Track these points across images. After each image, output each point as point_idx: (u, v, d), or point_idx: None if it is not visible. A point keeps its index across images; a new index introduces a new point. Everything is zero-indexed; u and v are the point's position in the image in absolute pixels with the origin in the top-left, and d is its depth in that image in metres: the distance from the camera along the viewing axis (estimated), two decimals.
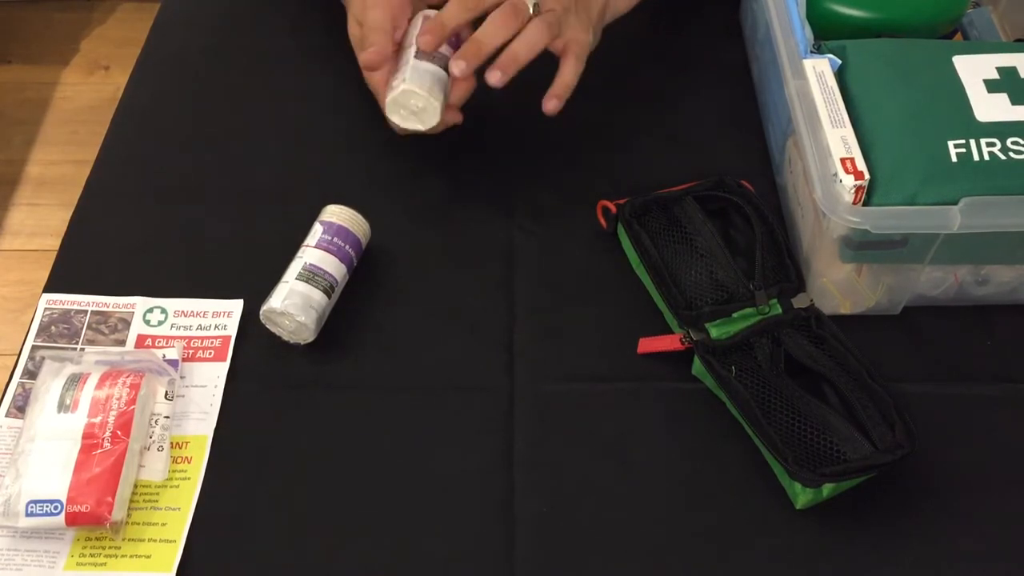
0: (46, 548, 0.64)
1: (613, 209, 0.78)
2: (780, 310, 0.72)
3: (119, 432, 0.65)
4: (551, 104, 0.77)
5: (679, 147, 0.87)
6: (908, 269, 0.73)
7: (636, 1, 0.87)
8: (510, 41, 0.75)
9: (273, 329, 0.73)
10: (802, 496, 0.64)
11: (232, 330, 0.74)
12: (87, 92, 2.01)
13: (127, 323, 0.75)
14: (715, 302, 0.72)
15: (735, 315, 0.71)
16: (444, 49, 0.76)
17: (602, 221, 0.79)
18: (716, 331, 0.71)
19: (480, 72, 0.75)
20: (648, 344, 0.73)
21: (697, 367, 0.71)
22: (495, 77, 0.74)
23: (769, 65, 0.85)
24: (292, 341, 0.73)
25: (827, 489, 0.64)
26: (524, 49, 0.74)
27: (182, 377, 0.72)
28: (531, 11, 0.75)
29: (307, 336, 0.72)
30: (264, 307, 0.72)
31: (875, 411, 0.66)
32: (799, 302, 0.73)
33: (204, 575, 0.64)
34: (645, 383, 0.73)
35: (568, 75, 0.78)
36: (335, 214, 0.76)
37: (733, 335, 0.70)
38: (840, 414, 0.67)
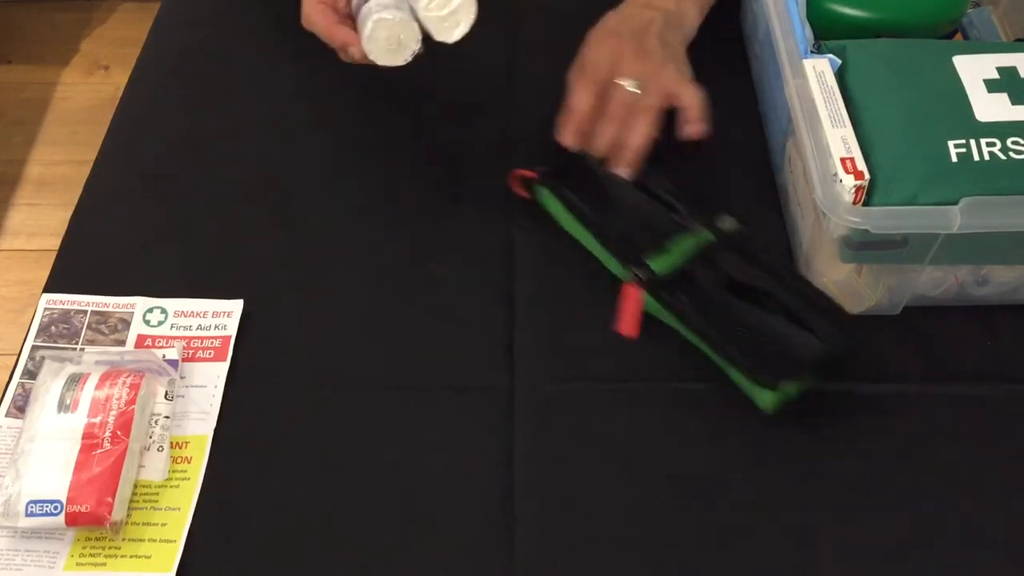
0: (46, 548, 0.64)
1: (532, 176, 0.80)
2: (712, 236, 0.75)
3: (119, 432, 0.65)
4: (696, 128, 0.80)
5: (679, 147, 0.87)
6: (908, 269, 0.73)
7: (700, 15, 0.88)
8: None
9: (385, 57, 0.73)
10: (766, 398, 0.69)
11: (232, 330, 0.74)
12: (87, 92, 2.01)
13: (127, 323, 0.75)
14: (651, 238, 0.75)
15: (672, 248, 0.75)
16: None
17: (520, 191, 0.81)
18: (658, 265, 0.74)
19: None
20: (620, 321, 0.74)
21: (650, 304, 0.73)
22: (626, 173, 0.79)
23: (769, 65, 0.85)
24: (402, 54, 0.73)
25: (789, 388, 0.68)
26: (639, 141, 0.79)
27: (182, 377, 0.72)
28: (634, 91, 0.79)
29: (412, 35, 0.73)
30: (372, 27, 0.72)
31: (815, 312, 0.71)
32: (724, 224, 0.76)
33: (204, 575, 0.64)
34: (645, 383, 0.73)
35: (693, 101, 0.81)
36: None
37: (674, 266, 0.74)
38: (785, 320, 0.71)
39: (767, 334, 0.70)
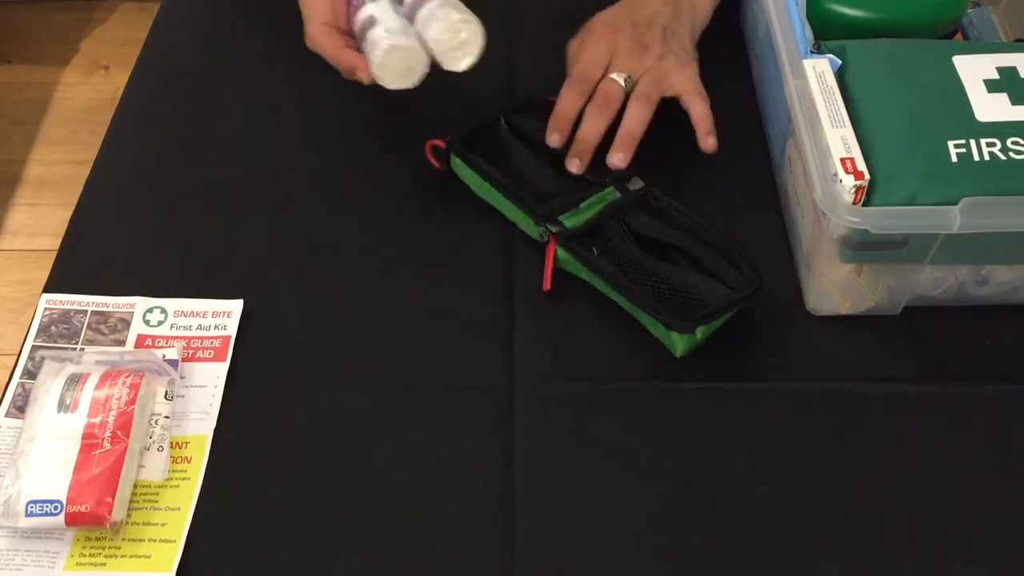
0: (46, 548, 0.64)
1: (443, 145, 0.81)
2: (619, 195, 0.78)
3: (119, 432, 0.65)
4: (709, 143, 0.81)
5: (679, 147, 0.87)
6: (908, 269, 0.73)
7: (713, 8, 0.88)
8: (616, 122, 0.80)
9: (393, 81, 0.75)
10: (679, 344, 0.72)
11: (232, 330, 0.74)
12: (87, 92, 2.01)
13: (127, 323, 0.75)
14: (562, 198, 0.78)
15: (582, 205, 0.78)
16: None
17: (433, 161, 0.82)
18: (569, 222, 0.76)
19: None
20: (545, 277, 0.76)
21: (561, 256, 0.76)
22: (618, 158, 0.79)
23: (769, 65, 0.85)
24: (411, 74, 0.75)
25: (700, 332, 0.71)
26: (635, 126, 0.80)
27: (182, 377, 0.72)
28: (624, 86, 0.80)
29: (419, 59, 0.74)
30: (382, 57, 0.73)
31: (720, 259, 0.74)
32: (633, 185, 0.79)
33: (204, 575, 0.64)
34: (645, 383, 0.73)
35: (700, 111, 0.81)
36: None
37: (585, 222, 0.76)
38: (693, 270, 0.75)
39: (675, 284, 0.74)
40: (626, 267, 0.75)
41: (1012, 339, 0.75)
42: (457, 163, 0.81)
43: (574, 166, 0.79)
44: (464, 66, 0.76)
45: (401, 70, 0.74)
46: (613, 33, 0.82)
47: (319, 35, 0.79)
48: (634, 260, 0.75)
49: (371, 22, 0.75)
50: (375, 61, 0.74)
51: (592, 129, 0.79)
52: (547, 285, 0.76)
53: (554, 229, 0.76)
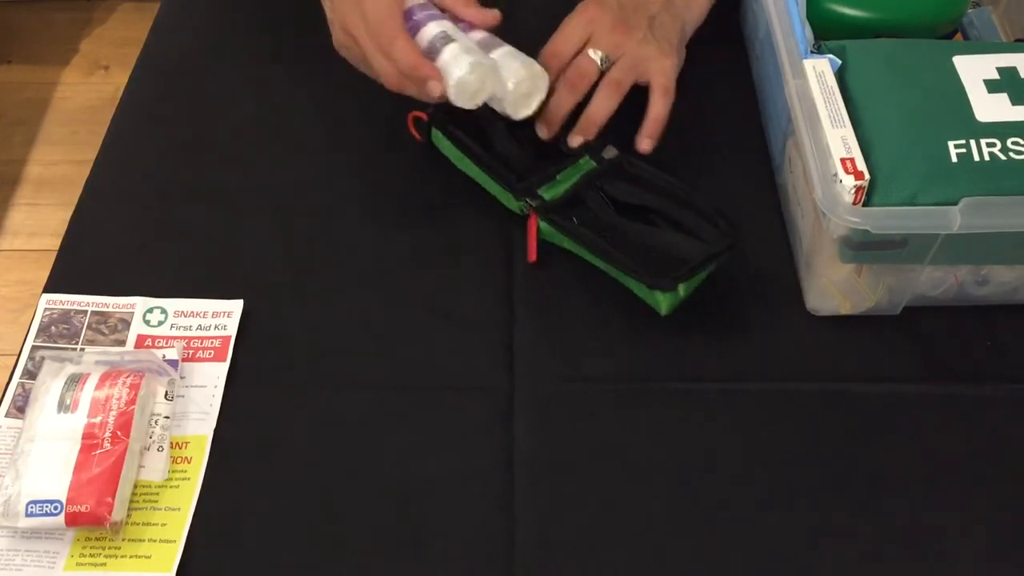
0: (46, 548, 0.64)
1: (426, 118, 0.82)
2: (594, 164, 0.80)
3: (119, 432, 0.65)
4: (645, 144, 0.81)
5: (679, 147, 0.87)
6: (908, 269, 0.73)
7: (709, 7, 0.88)
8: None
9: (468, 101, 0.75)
10: (663, 302, 0.73)
11: (232, 330, 0.74)
12: (87, 92, 2.01)
13: (127, 323, 0.75)
14: (539, 170, 0.80)
15: (559, 177, 0.79)
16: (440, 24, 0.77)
17: (415, 133, 0.83)
18: (548, 194, 0.78)
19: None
20: (529, 249, 0.78)
21: (544, 228, 0.78)
22: (576, 141, 0.80)
23: (769, 65, 0.85)
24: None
25: (682, 289, 0.73)
26: (599, 113, 0.80)
27: (182, 377, 0.72)
28: (599, 65, 0.81)
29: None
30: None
31: (697, 218, 0.76)
32: (607, 153, 0.81)
33: (204, 575, 0.64)
34: (645, 383, 0.73)
35: (657, 110, 0.81)
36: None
37: (564, 193, 0.78)
38: (673, 231, 0.77)
39: (656, 245, 0.76)
40: (607, 233, 0.76)
41: (1012, 339, 0.75)
42: (438, 136, 0.82)
43: (542, 132, 0.80)
44: (522, 115, 0.79)
45: (476, 90, 0.75)
46: (598, 9, 0.82)
47: (401, 39, 0.74)
48: (614, 226, 0.77)
49: (445, 39, 0.75)
50: (455, 75, 0.74)
51: (561, 104, 0.80)
52: (533, 257, 0.78)
53: (534, 203, 0.77)
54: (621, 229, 0.77)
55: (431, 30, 0.76)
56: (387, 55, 0.75)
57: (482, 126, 0.83)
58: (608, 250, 0.75)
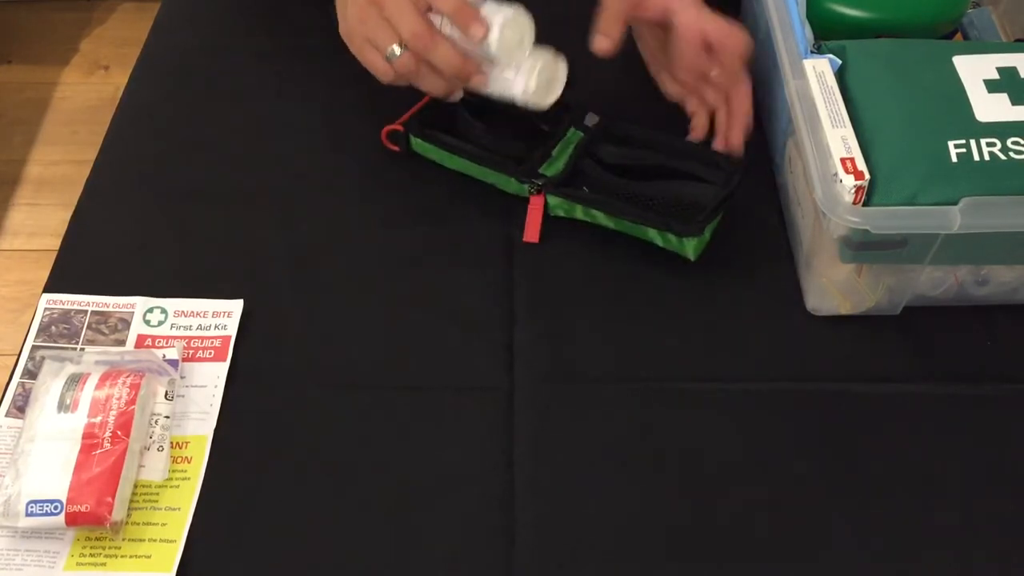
0: (46, 548, 0.64)
1: (402, 129, 0.83)
2: (581, 134, 0.82)
3: (119, 432, 0.65)
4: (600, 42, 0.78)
5: (679, 146, 0.87)
6: (908, 269, 0.73)
7: None
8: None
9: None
10: (692, 248, 0.75)
11: (232, 330, 0.74)
12: (87, 92, 2.01)
13: (127, 323, 0.75)
14: (534, 151, 0.81)
15: (554, 153, 0.81)
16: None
17: (391, 146, 0.84)
18: (549, 171, 0.80)
19: None
20: (527, 230, 0.79)
21: (555, 203, 0.79)
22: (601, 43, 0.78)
23: (769, 65, 0.85)
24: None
25: (708, 231, 0.76)
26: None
27: (182, 377, 0.72)
28: None
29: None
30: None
31: (696, 163, 0.79)
32: (590, 120, 0.83)
33: (204, 575, 0.64)
34: (645, 383, 0.73)
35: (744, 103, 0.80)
36: None
37: (564, 166, 0.80)
38: (677, 180, 0.80)
39: (666, 198, 0.79)
40: (613, 197, 0.79)
41: (1012, 339, 0.75)
42: (418, 143, 0.83)
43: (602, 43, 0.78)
44: (548, 102, 0.78)
45: (519, 41, 0.75)
46: None
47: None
48: (618, 188, 0.80)
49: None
50: (498, 21, 0.73)
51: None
52: (536, 237, 0.79)
53: (540, 182, 0.79)
54: (626, 190, 0.79)
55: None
56: (434, 1, 0.72)
57: (459, 129, 0.83)
58: (629, 210, 0.77)
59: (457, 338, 0.75)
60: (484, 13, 0.74)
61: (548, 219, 0.80)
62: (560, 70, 0.79)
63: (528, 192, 0.79)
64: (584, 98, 0.82)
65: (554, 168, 0.80)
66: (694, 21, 0.77)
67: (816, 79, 0.73)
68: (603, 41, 0.77)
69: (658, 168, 0.80)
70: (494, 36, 0.73)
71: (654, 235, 0.76)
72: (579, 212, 0.79)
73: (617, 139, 0.82)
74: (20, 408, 0.70)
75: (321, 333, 0.75)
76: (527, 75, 0.75)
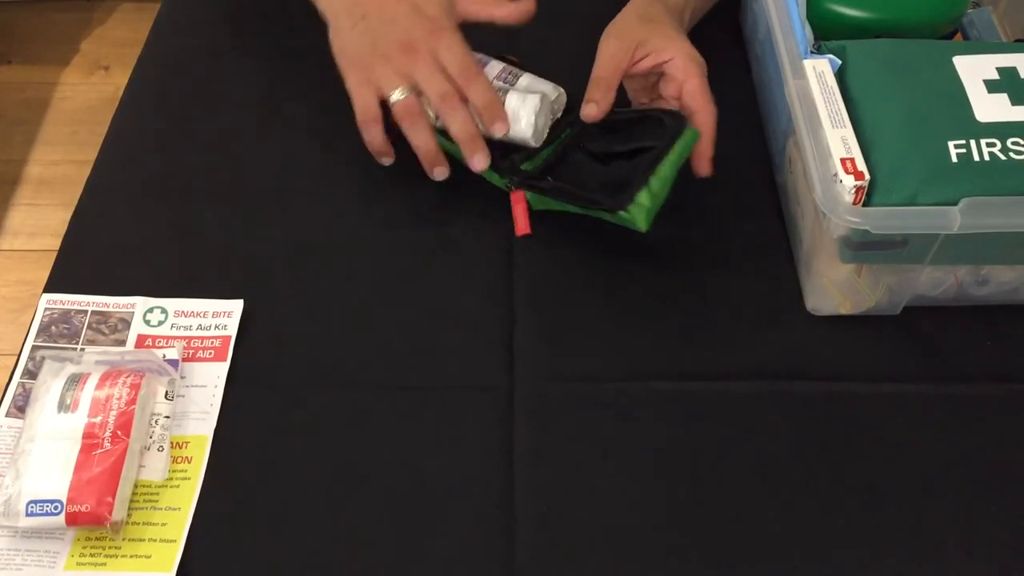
0: (46, 548, 0.64)
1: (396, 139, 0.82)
2: (569, 129, 0.82)
3: (119, 432, 0.65)
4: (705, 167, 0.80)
5: None
6: (908, 269, 0.73)
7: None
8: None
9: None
10: (637, 217, 0.74)
11: (232, 330, 0.74)
12: (87, 92, 2.01)
13: (127, 323, 0.75)
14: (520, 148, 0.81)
15: (544, 149, 0.81)
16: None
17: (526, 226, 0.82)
18: (529, 166, 0.80)
19: None
20: (516, 225, 0.79)
21: (531, 197, 0.80)
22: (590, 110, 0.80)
23: (769, 66, 0.85)
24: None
25: (645, 198, 0.74)
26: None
27: (182, 377, 0.72)
28: None
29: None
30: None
31: (654, 127, 0.78)
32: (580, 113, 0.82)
33: (204, 575, 0.64)
34: (645, 383, 0.73)
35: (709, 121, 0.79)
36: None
37: (542, 162, 0.80)
38: (627, 144, 0.79)
39: (630, 171, 0.77)
40: (587, 184, 0.78)
41: (1012, 339, 0.75)
42: (536, 199, 0.82)
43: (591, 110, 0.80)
44: (546, 133, 0.81)
45: (543, 126, 0.79)
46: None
47: (477, 66, 0.78)
48: (595, 175, 0.79)
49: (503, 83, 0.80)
50: (525, 117, 0.78)
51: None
52: (527, 229, 0.78)
53: (517, 177, 0.79)
54: (603, 176, 0.79)
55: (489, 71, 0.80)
56: (468, 88, 0.76)
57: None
58: (571, 191, 0.77)
59: (457, 338, 0.75)
60: (513, 103, 0.78)
61: (548, 219, 0.80)
62: (559, 101, 0.81)
63: (506, 187, 0.80)
64: (577, 92, 0.81)
65: (534, 164, 0.80)
66: (681, 72, 0.79)
67: (816, 79, 0.73)
68: (594, 109, 0.79)
69: (643, 149, 0.78)
70: (527, 126, 0.78)
71: (607, 216, 0.76)
72: (554, 204, 0.79)
73: (606, 129, 0.81)
74: (20, 408, 0.70)
75: (321, 333, 0.75)
76: (531, 129, 0.78)
